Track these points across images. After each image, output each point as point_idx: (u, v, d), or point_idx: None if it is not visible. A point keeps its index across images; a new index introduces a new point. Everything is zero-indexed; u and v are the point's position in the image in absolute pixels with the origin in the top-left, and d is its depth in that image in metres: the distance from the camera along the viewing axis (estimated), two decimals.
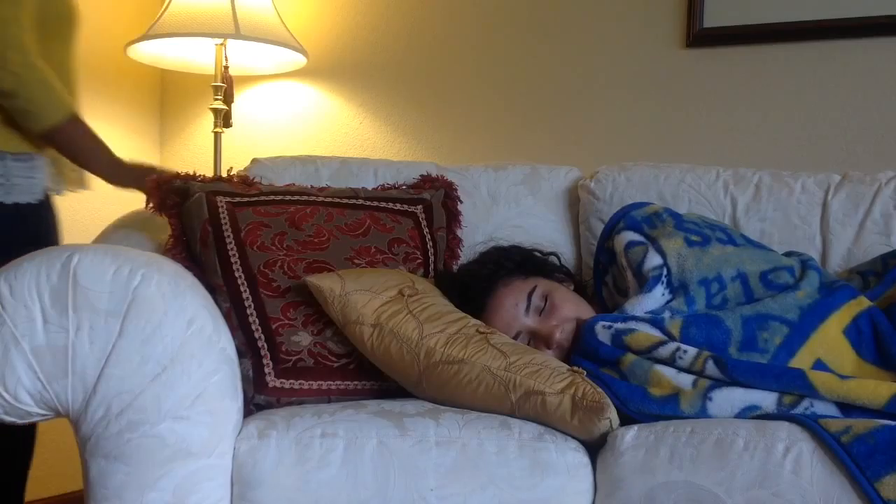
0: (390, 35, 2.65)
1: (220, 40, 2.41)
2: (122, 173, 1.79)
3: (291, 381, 1.34)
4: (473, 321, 1.36)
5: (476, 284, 1.48)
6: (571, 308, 1.46)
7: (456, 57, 2.58)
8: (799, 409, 1.21)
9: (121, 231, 1.61)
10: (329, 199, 1.60)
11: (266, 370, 1.33)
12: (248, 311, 1.38)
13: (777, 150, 2.33)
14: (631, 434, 1.17)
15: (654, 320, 1.37)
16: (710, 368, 1.26)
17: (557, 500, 1.16)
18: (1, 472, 1.80)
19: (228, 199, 1.51)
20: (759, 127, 2.36)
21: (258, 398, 1.31)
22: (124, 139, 2.83)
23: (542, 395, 1.20)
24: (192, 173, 1.59)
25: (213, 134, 2.49)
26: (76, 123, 1.74)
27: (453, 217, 1.74)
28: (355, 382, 1.38)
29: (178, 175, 1.56)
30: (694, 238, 1.48)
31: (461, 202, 1.77)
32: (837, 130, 2.28)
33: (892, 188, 1.66)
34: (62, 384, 1.16)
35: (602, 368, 1.33)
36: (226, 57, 2.44)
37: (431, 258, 1.63)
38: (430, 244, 1.64)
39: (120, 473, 1.15)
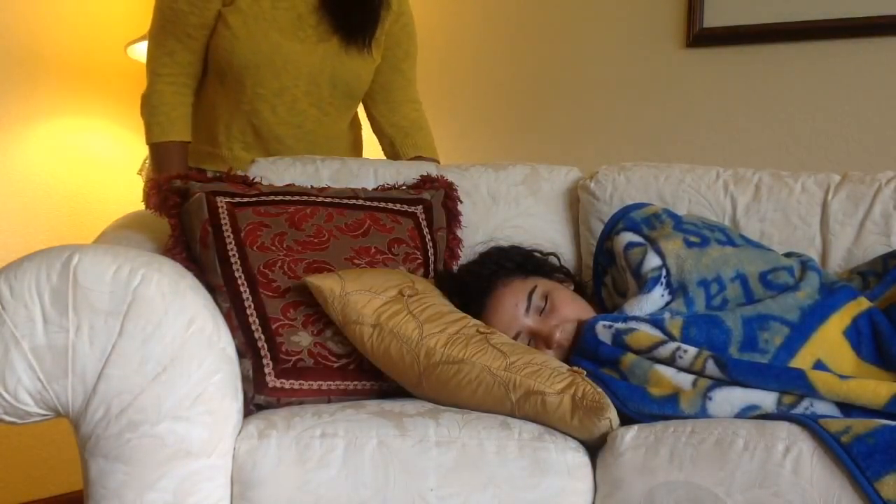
0: None
1: None
2: None
3: (291, 381, 1.34)
4: (473, 321, 1.36)
5: (476, 284, 1.48)
6: (572, 308, 1.46)
7: (456, 57, 2.58)
8: (799, 409, 1.21)
9: (121, 231, 1.61)
10: (329, 200, 1.60)
11: (266, 370, 1.33)
12: (248, 312, 1.38)
13: (777, 150, 2.33)
14: (631, 434, 1.17)
15: (655, 320, 1.37)
16: (710, 368, 1.26)
17: (557, 500, 1.16)
18: None
19: (228, 200, 1.51)
20: (759, 127, 2.36)
21: (258, 398, 1.31)
22: (124, 139, 2.83)
23: (542, 395, 1.20)
24: (192, 173, 1.59)
25: None
26: (154, 151, 2.03)
27: (453, 217, 1.73)
28: (355, 382, 1.38)
29: (178, 175, 1.57)
30: (693, 239, 1.48)
31: (461, 202, 1.76)
32: (837, 130, 2.29)
33: (892, 188, 1.66)
34: (62, 384, 1.16)
35: (602, 368, 1.33)
36: None
37: (431, 258, 1.63)
38: (430, 244, 1.64)
39: (120, 473, 1.15)
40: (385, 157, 2.22)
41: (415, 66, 2.22)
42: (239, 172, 1.78)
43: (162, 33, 1.98)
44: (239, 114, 2.01)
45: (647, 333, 1.34)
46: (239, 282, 1.41)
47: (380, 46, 2.11)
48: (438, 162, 2.19)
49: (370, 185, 1.77)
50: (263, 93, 1.99)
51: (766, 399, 1.22)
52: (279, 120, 2.02)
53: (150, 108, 2.00)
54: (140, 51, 2.56)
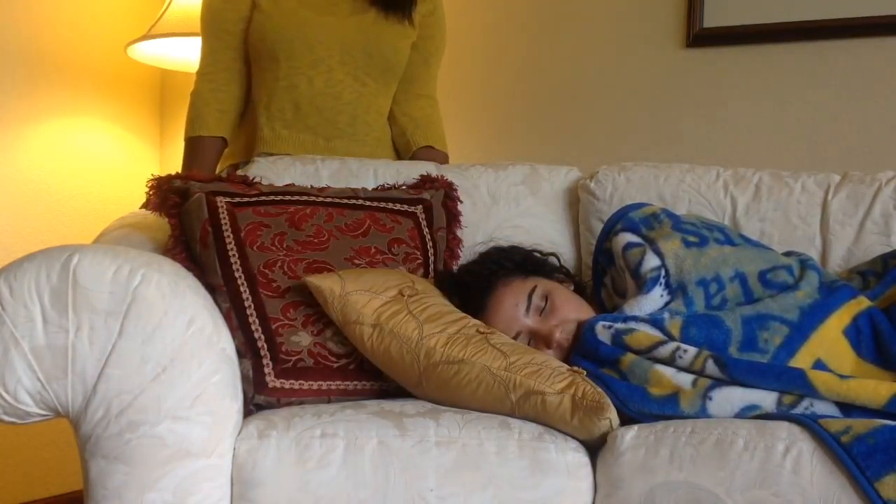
0: None
1: None
2: None
3: (291, 381, 1.34)
4: (473, 321, 1.36)
5: (476, 284, 1.48)
6: (572, 308, 1.46)
7: (456, 57, 2.58)
8: (799, 409, 1.21)
9: (121, 231, 1.61)
10: (329, 200, 1.60)
11: (266, 370, 1.33)
12: (248, 312, 1.38)
13: (777, 150, 2.33)
14: (631, 434, 1.17)
15: (655, 320, 1.37)
16: (710, 368, 1.26)
17: (557, 500, 1.16)
18: None
19: (228, 200, 1.51)
20: (759, 127, 2.36)
21: (258, 398, 1.31)
22: (124, 139, 2.84)
23: (542, 395, 1.20)
24: (192, 173, 1.59)
25: None
26: (185, 147, 2.07)
27: (453, 217, 1.73)
28: (355, 382, 1.38)
29: (178, 175, 1.57)
30: (691, 239, 1.48)
31: (461, 202, 1.76)
32: (837, 130, 2.29)
33: (892, 188, 1.66)
34: (62, 384, 1.16)
35: (602, 368, 1.33)
36: None
37: (431, 258, 1.63)
38: (430, 244, 1.64)
39: (120, 473, 1.15)
40: (396, 149, 2.22)
41: (439, 65, 2.22)
42: (240, 172, 1.78)
43: (205, 35, 2.08)
44: (277, 91, 2.02)
45: (647, 333, 1.34)
46: (239, 282, 1.41)
47: (416, 25, 2.11)
48: (447, 155, 2.18)
49: (370, 185, 1.77)
50: (298, 65, 2.01)
51: (766, 399, 1.22)
52: (316, 91, 2.03)
53: (189, 107, 2.08)
54: (141, 51, 2.56)
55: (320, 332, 1.39)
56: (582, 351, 1.37)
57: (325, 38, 2.02)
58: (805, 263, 1.48)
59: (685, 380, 1.27)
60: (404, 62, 2.11)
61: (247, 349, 1.34)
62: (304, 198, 1.58)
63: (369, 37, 2.04)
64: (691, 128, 2.41)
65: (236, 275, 1.41)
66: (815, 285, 1.42)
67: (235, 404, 1.24)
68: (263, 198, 1.55)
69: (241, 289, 1.40)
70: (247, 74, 2.09)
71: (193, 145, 2.06)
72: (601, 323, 1.37)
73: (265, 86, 2.04)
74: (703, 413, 1.23)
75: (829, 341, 1.34)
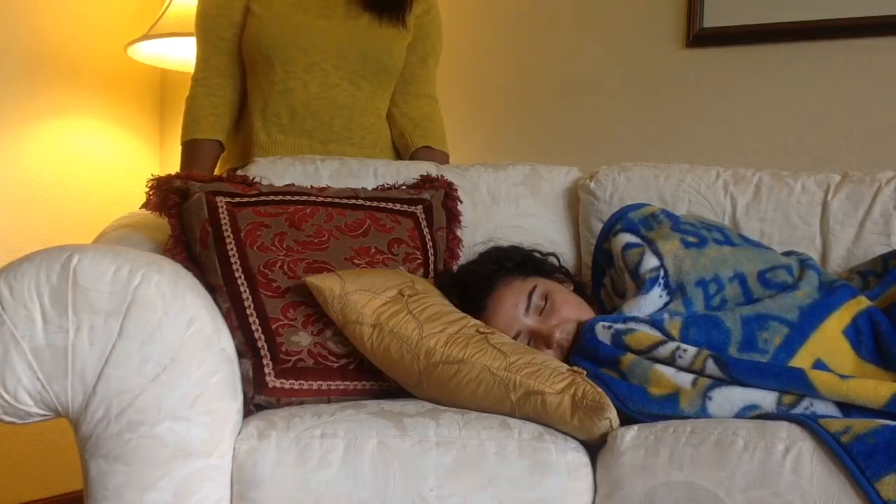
0: None
1: None
2: None
3: (291, 381, 1.34)
4: (473, 321, 1.36)
5: (476, 284, 1.48)
6: (572, 308, 1.46)
7: (456, 57, 2.58)
8: (799, 409, 1.21)
9: (121, 231, 1.61)
10: (329, 200, 1.60)
11: (266, 370, 1.33)
12: (248, 312, 1.38)
13: (777, 150, 2.33)
14: (631, 434, 1.17)
15: (654, 321, 1.36)
16: (710, 367, 1.26)
17: (557, 500, 1.16)
18: None
19: (228, 200, 1.51)
20: (759, 127, 2.36)
21: (258, 398, 1.31)
22: (124, 139, 2.84)
23: (542, 394, 1.20)
24: (192, 173, 1.59)
25: None
26: (182, 151, 2.08)
27: (453, 217, 1.73)
28: (355, 382, 1.38)
29: (178, 175, 1.56)
30: (691, 239, 1.48)
31: (461, 202, 1.76)
32: (837, 130, 2.29)
33: (892, 188, 1.66)
34: (62, 384, 1.16)
35: (602, 368, 1.33)
36: None
37: (431, 258, 1.63)
38: (429, 244, 1.64)
39: (120, 473, 1.15)
40: (396, 149, 2.22)
41: (437, 63, 2.22)
42: (240, 172, 1.78)
43: (199, 40, 2.09)
44: (273, 96, 2.02)
45: (647, 333, 1.34)
46: (239, 282, 1.41)
47: (411, 27, 2.11)
48: (447, 154, 2.18)
49: (370, 185, 1.77)
50: (294, 70, 2.01)
51: (766, 399, 1.22)
52: (312, 95, 2.03)
53: (184, 112, 2.08)
54: (141, 51, 2.56)
55: (320, 332, 1.39)
56: (582, 351, 1.37)
57: (320, 41, 2.02)
58: (805, 263, 1.48)
59: (685, 379, 1.27)
60: (400, 64, 2.11)
61: (247, 349, 1.34)
62: (304, 198, 1.58)
63: (364, 40, 2.05)
64: (691, 128, 2.41)
65: (236, 275, 1.41)
66: (815, 285, 1.42)
67: (235, 404, 1.24)
68: (263, 198, 1.55)
69: (241, 289, 1.40)
70: (241, 80, 2.09)
71: (190, 149, 2.06)
72: (601, 323, 1.37)
73: (260, 91, 2.04)
74: (703, 413, 1.23)
75: (829, 341, 1.34)
